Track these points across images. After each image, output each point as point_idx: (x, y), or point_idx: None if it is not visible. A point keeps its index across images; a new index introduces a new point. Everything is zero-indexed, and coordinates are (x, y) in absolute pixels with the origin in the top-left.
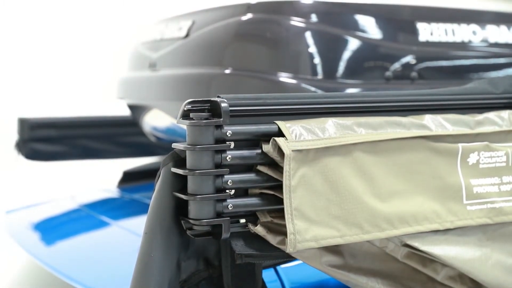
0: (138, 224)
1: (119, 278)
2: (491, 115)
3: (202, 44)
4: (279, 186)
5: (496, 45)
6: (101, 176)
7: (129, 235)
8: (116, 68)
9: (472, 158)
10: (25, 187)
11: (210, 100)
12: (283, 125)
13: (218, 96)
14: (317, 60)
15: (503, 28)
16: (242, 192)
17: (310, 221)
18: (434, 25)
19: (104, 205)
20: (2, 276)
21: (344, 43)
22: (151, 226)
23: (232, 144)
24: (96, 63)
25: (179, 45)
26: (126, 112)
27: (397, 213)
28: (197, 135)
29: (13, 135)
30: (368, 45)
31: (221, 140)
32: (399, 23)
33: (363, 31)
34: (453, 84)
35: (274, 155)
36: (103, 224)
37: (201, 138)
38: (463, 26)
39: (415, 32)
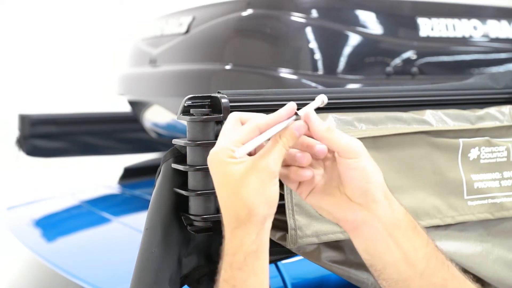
0: (138, 220)
1: (120, 274)
2: (492, 110)
3: (202, 40)
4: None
5: (497, 40)
6: (102, 173)
7: (129, 231)
8: (117, 65)
9: (473, 153)
10: (26, 184)
11: (210, 96)
12: None
13: (219, 92)
14: (317, 55)
15: (504, 23)
16: None
17: (311, 217)
18: (434, 20)
19: (105, 201)
20: (3, 273)
21: (345, 38)
22: (151, 222)
23: None
24: (96, 60)
25: (180, 41)
26: (126, 108)
27: None
28: (198, 131)
29: (14, 133)
30: (368, 41)
31: None
32: (399, 18)
33: (363, 26)
34: (454, 79)
35: None
36: (104, 220)
37: (202, 134)
38: (464, 21)
39: (415, 27)
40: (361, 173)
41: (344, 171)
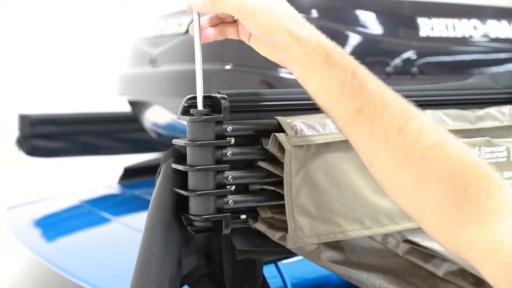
0: (139, 220)
1: (120, 274)
2: (492, 110)
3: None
4: (279, 182)
5: (497, 40)
6: (102, 173)
7: (130, 231)
8: (117, 65)
9: None
10: (26, 184)
11: (210, 96)
12: (284, 120)
13: (219, 92)
14: None
15: (504, 23)
16: (242, 188)
17: (311, 217)
18: (434, 20)
19: (105, 201)
20: (3, 273)
21: (345, 38)
22: (151, 222)
23: (233, 140)
24: (96, 60)
25: (180, 41)
26: (126, 108)
27: (398, 209)
28: (198, 131)
29: (14, 133)
30: (368, 41)
31: (221, 136)
32: (399, 18)
33: (363, 26)
34: (454, 79)
35: (275, 151)
36: (104, 220)
37: (202, 134)
38: (464, 21)
39: (415, 27)
40: (256, 30)
41: (248, 29)
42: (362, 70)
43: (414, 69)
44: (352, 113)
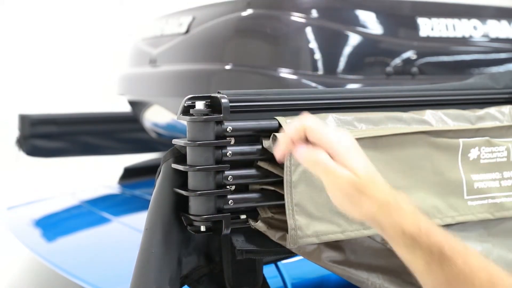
0: (139, 220)
1: (120, 274)
2: (492, 110)
3: (202, 40)
4: (279, 182)
5: (497, 40)
6: (102, 173)
7: (129, 231)
8: (117, 65)
9: (473, 154)
10: (26, 184)
11: (210, 96)
12: (284, 120)
13: (219, 92)
14: (317, 55)
15: (504, 23)
16: (242, 188)
17: (311, 217)
18: (434, 20)
19: (105, 201)
20: (3, 273)
21: (345, 38)
22: (151, 222)
23: (233, 140)
24: (96, 60)
25: (180, 41)
26: (126, 108)
27: None
28: (198, 131)
29: (14, 133)
30: (368, 41)
31: (221, 136)
32: (399, 18)
33: (363, 26)
34: (454, 79)
35: None
36: (104, 220)
37: (202, 134)
38: (464, 21)
39: (415, 27)
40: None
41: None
42: (447, 253)
43: (414, 69)
44: None
